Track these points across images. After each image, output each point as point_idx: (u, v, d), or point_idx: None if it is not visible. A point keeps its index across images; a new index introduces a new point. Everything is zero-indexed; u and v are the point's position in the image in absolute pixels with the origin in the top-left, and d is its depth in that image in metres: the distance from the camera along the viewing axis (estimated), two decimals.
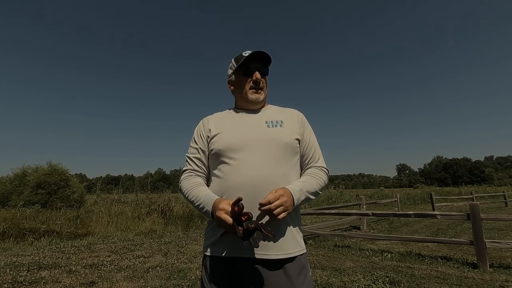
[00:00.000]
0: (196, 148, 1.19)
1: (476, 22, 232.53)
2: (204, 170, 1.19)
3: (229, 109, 1.28)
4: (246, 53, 1.16)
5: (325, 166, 1.20)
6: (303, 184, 1.06)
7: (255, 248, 0.99)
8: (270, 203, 0.92)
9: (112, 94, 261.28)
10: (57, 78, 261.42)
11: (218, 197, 1.02)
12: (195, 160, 1.18)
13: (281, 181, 1.04)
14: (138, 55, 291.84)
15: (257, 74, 1.16)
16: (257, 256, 0.99)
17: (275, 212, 0.92)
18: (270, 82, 1.29)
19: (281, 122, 1.17)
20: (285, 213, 0.95)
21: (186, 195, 1.11)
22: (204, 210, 1.02)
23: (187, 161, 1.21)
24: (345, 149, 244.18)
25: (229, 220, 0.90)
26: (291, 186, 1.03)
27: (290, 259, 1.02)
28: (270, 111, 1.23)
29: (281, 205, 0.93)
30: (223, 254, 1.03)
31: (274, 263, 1.00)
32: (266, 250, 1.00)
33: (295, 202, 1.00)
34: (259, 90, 1.19)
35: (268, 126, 1.15)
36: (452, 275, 3.54)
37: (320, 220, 9.46)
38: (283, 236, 1.03)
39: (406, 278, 3.43)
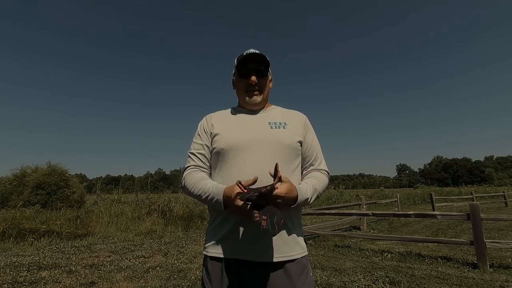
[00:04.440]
0: (201, 144, 1.17)
1: (476, 21, 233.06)
2: (207, 167, 1.17)
3: (233, 108, 1.27)
4: (247, 52, 1.14)
5: (327, 169, 1.20)
6: (308, 189, 1.04)
7: (255, 252, 0.99)
8: (280, 196, 0.90)
9: (112, 94, 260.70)
10: (57, 78, 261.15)
11: (226, 186, 0.99)
12: (199, 155, 1.16)
13: None
14: (138, 55, 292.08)
15: (253, 77, 1.14)
16: (258, 260, 0.99)
17: (277, 200, 0.90)
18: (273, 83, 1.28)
19: (285, 123, 1.16)
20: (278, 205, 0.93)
21: (192, 190, 1.07)
22: (214, 200, 1.00)
23: (189, 157, 1.18)
24: (345, 149, 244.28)
25: (240, 202, 0.87)
26: (302, 190, 1.01)
27: (291, 260, 1.02)
28: (274, 112, 1.23)
29: (287, 194, 0.92)
30: (223, 255, 1.03)
31: (275, 264, 1.00)
32: (267, 254, 0.99)
33: (294, 205, 0.99)
34: (255, 92, 1.17)
35: (272, 127, 1.14)
36: (452, 275, 3.54)
37: (320, 220, 9.46)
38: (285, 239, 1.02)
39: (406, 278, 3.43)
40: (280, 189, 0.90)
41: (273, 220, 0.83)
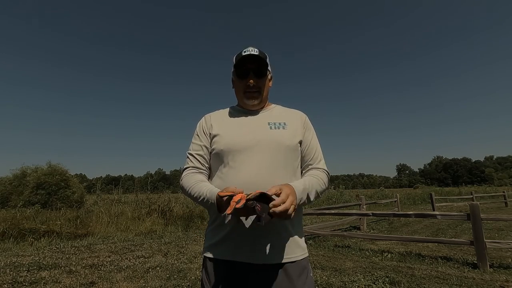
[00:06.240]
0: (200, 145, 1.15)
1: (475, 21, 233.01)
2: (206, 168, 1.15)
3: (232, 107, 1.25)
4: (245, 52, 1.11)
5: (326, 168, 1.16)
6: (305, 184, 1.01)
7: (255, 254, 0.98)
8: (283, 202, 0.84)
9: (112, 94, 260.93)
10: (57, 78, 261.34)
11: (219, 190, 0.97)
12: (197, 157, 1.14)
13: None
14: (138, 55, 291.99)
15: (251, 79, 1.12)
16: (257, 262, 0.98)
17: (289, 212, 0.84)
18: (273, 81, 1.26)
19: (284, 124, 1.14)
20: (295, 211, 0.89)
21: (188, 192, 1.07)
22: (209, 203, 0.99)
23: (188, 157, 1.16)
24: (345, 149, 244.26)
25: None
26: (295, 184, 0.98)
27: (292, 262, 1.01)
28: (274, 112, 1.20)
29: (292, 204, 0.86)
30: (223, 257, 1.02)
31: (275, 265, 0.99)
32: (267, 256, 0.99)
33: (297, 202, 0.95)
34: (254, 94, 1.15)
35: (271, 127, 1.12)
36: (452, 275, 3.54)
37: (320, 220, 9.46)
38: (285, 241, 1.01)
39: (406, 278, 3.43)
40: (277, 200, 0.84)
41: (262, 215, 0.84)
